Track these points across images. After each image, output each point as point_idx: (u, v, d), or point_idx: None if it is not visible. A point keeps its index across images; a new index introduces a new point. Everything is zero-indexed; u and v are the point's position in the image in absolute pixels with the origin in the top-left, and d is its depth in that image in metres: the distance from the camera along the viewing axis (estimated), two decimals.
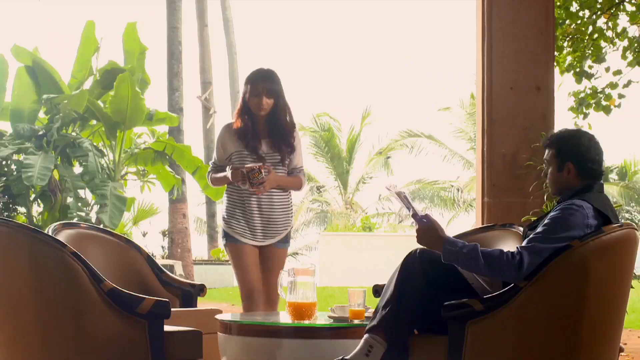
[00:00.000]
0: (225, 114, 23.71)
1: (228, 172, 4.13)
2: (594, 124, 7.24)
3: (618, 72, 7.21)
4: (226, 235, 4.26)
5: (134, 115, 10.81)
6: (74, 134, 10.92)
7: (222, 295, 12.53)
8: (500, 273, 2.94)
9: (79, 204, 10.53)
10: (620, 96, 7.21)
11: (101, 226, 8.87)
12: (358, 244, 17.44)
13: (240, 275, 4.22)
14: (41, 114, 11.26)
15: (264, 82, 4.15)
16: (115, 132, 11.13)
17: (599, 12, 7.17)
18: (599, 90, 7.27)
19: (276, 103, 4.17)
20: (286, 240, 4.33)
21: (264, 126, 4.23)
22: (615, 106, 7.22)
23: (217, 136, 4.39)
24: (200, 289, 4.05)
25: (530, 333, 2.90)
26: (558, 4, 6.83)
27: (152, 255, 4.13)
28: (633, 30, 7.33)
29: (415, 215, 3.08)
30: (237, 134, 4.22)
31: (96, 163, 10.24)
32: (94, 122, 11.29)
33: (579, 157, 3.11)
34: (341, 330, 3.36)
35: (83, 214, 10.79)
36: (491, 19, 5.06)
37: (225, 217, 4.26)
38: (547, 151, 3.21)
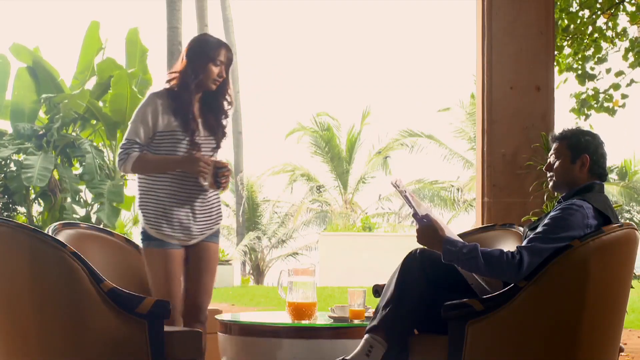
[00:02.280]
0: None
1: (183, 160, 3.46)
2: (595, 123, 7.27)
3: (620, 73, 7.22)
4: (149, 239, 3.52)
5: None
6: (74, 134, 10.93)
7: (222, 295, 12.53)
8: (500, 273, 2.94)
9: (78, 205, 10.55)
10: (624, 96, 7.22)
11: (101, 226, 8.88)
12: (358, 244, 17.45)
13: (166, 286, 3.48)
14: (41, 114, 11.27)
15: (227, 51, 3.54)
16: (115, 132, 11.14)
17: (598, 12, 7.17)
18: (601, 91, 7.27)
19: (225, 78, 3.59)
20: (218, 233, 3.71)
21: (196, 105, 3.58)
22: (619, 106, 7.23)
23: (142, 106, 3.53)
24: None
25: (530, 333, 2.90)
26: (558, 3, 6.84)
27: None
28: (633, 31, 7.33)
29: (415, 215, 3.08)
30: (172, 109, 3.49)
31: (96, 163, 10.25)
32: (94, 122, 11.30)
33: (594, 151, 3.13)
34: (341, 330, 3.36)
35: (83, 213, 10.80)
36: (491, 19, 5.07)
37: (151, 216, 3.51)
38: (556, 144, 3.20)
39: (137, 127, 3.49)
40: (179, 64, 3.56)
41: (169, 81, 3.56)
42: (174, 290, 3.50)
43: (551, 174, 3.21)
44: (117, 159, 3.62)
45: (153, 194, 3.53)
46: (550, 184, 3.23)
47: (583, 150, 3.14)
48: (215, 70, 3.51)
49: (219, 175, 3.44)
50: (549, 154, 3.24)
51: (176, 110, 3.49)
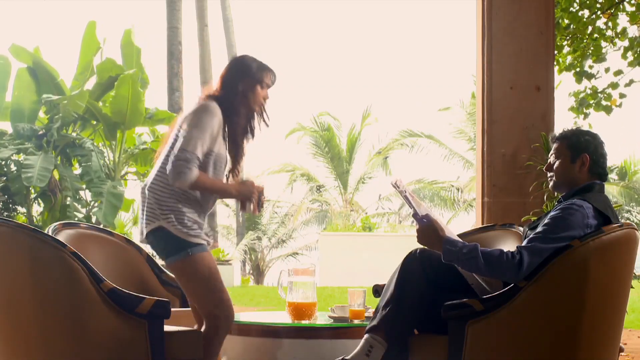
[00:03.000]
0: None
1: (240, 187, 3.37)
2: (594, 123, 7.26)
3: (619, 72, 7.22)
4: (188, 246, 3.22)
5: (133, 116, 10.83)
6: (74, 134, 10.93)
7: None
8: (500, 273, 2.94)
9: (79, 205, 10.54)
10: (622, 95, 7.23)
11: (101, 226, 8.87)
12: (358, 244, 17.45)
13: (223, 290, 3.28)
14: (41, 114, 11.27)
15: (272, 74, 3.48)
16: (115, 132, 11.15)
17: (598, 12, 7.18)
18: (599, 90, 7.28)
19: None
20: None
21: None
22: (616, 106, 7.24)
23: (209, 118, 3.26)
24: None
25: (530, 333, 2.90)
26: (558, 4, 6.84)
27: (152, 255, 4.08)
28: (633, 30, 7.34)
29: (415, 215, 3.08)
30: (225, 131, 3.36)
31: (99, 162, 10.25)
32: (94, 122, 11.30)
33: (594, 151, 3.13)
34: (341, 330, 3.36)
35: (83, 213, 10.80)
36: (491, 19, 5.07)
37: (188, 222, 3.24)
38: (556, 144, 3.21)
39: (203, 142, 3.23)
40: (219, 84, 3.42)
41: (214, 99, 3.35)
42: (227, 292, 3.30)
43: (551, 174, 3.22)
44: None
45: (189, 202, 3.29)
46: (551, 184, 3.23)
47: (583, 149, 3.14)
48: (262, 93, 3.43)
49: (260, 198, 3.41)
50: (549, 154, 3.24)
51: (229, 134, 3.36)
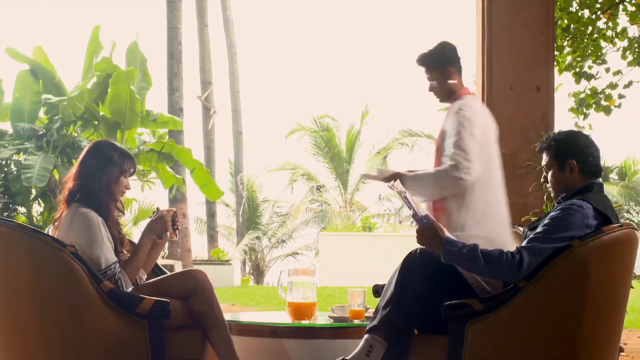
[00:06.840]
0: (226, 114, 23.72)
1: (148, 230, 3.55)
2: (594, 123, 7.27)
3: (618, 72, 7.23)
4: None
5: (132, 115, 10.83)
6: (74, 134, 10.93)
7: (222, 295, 12.52)
8: (500, 273, 2.94)
9: None
10: (621, 96, 7.23)
11: None
12: (358, 244, 17.43)
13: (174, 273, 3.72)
14: (41, 114, 11.26)
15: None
16: (115, 133, 11.14)
17: (598, 12, 7.18)
18: (599, 90, 7.28)
19: None
20: None
21: None
22: (615, 106, 7.24)
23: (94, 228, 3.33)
24: None
25: (530, 333, 2.90)
26: (558, 3, 6.84)
27: None
28: (633, 30, 7.34)
29: (415, 216, 3.08)
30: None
31: None
32: (95, 122, 11.29)
33: (579, 153, 3.11)
34: (341, 330, 3.36)
35: None
36: (491, 19, 5.06)
37: None
38: (544, 155, 3.20)
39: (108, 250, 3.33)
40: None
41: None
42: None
43: (548, 185, 3.22)
44: None
45: None
46: (552, 195, 3.23)
47: (568, 156, 3.12)
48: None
49: (174, 222, 3.52)
50: (542, 165, 3.24)
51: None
